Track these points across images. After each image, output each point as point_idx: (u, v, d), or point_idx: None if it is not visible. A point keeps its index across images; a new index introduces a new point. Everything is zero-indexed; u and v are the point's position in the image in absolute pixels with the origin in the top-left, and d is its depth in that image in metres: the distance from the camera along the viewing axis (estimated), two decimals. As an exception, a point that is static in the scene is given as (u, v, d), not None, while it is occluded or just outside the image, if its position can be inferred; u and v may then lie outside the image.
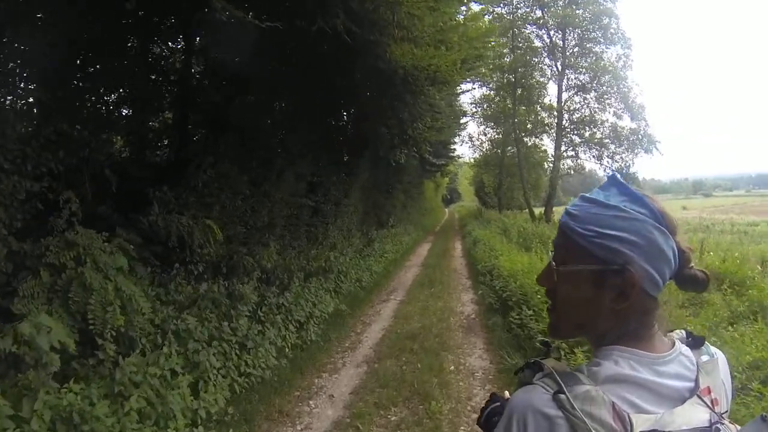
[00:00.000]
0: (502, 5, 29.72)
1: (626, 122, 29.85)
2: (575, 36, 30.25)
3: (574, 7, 28.85)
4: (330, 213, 13.21)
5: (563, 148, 31.03)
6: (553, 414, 0.90)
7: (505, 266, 10.59)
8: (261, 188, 9.24)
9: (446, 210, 71.18)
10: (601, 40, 29.71)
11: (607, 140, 30.08)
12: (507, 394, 1.43)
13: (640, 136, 29.14)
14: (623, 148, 29.65)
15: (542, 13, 29.90)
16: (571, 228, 1.05)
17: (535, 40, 31.17)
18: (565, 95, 30.96)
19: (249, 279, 7.94)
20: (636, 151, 29.23)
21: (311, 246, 11.81)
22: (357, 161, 16.22)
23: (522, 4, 30.31)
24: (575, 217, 1.05)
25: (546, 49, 30.84)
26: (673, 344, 1.05)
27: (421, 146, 16.04)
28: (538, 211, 32.15)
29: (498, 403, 1.38)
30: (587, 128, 30.70)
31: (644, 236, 0.98)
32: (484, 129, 36.93)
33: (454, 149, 35.81)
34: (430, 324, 8.83)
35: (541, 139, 34.01)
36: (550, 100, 31.77)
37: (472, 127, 42.60)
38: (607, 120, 30.38)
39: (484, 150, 38.72)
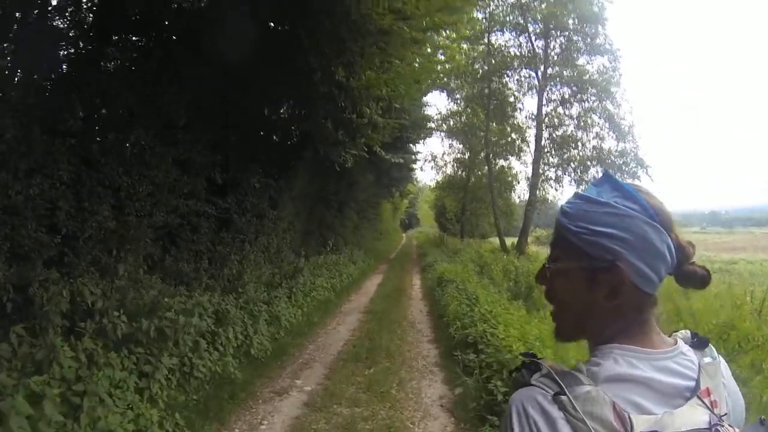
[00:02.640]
0: (477, 9, 25.68)
1: (611, 143, 26.00)
2: (558, 44, 26.18)
3: (559, 8, 24.65)
4: (249, 228, 10.11)
5: (541, 169, 26.68)
6: (555, 415, 0.87)
7: (516, 349, 5.57)
8: (99, 169, 6.04)
9: (404, 235, 66.65)
10: (586, 50, 25.74)
11: (588, 162, 25.90)
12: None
13: (627, 159, 25.11)
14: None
15: (522, 20, 25.74)
16: (563, 225, 1.03)
17: (512, 49, 27.08)
18: (545, 110, 26.72)
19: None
20: (622, 176, 24.58)
21: (208, 273, 8.43)
22: (291, 162, 12.48)
23: (499, 9, 26.11)
24: (568, 215, 1.02)
25: (525, 58, 26.52)
26: (675, 343, 1.01)
27: (369, 107, 10.61)
28: (510, 241, 27.83)
29: None
30: (568, 148, 26.51)
31: (634, 232, 0.95)
32: (450, 144, 32.88)
33: (417, 151, 29.17)
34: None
35: (511, 161, 30.05)
36: (526, 116, 27.86)
37: (435, 146, 38.83)
38: (589, 141, 26.33)
39: (447, 171, 34.85)
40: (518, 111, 28.02)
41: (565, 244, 1.02)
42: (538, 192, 26.40)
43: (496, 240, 32.79)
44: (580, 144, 26.38)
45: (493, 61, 26.28)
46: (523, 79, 27.31)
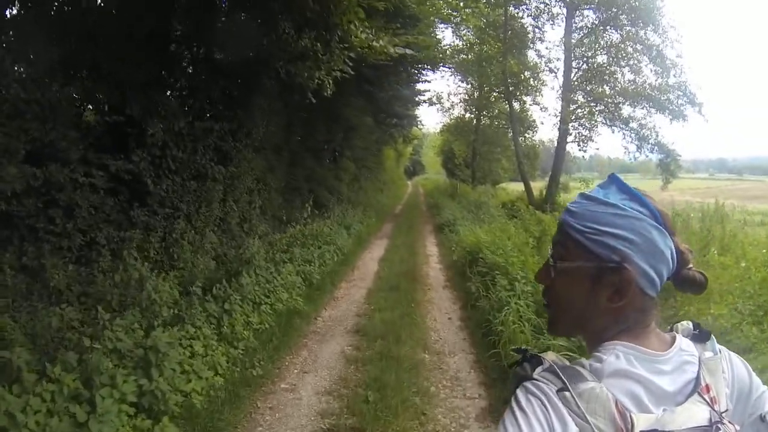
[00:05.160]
0: None
1: (651, 77, 20.29)
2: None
3: None
4: (181, 196, 6.87)
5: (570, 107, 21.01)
6: (562, 409, 0.83)
7: None
8: None
9: (409, 183, 61.75)
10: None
11: (621, 99, 20.50)
12: None
13: (670, 96, 19.50)
14: (644, 110, 20.29)
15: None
16: (570, 224, 0.98)
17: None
18: (574, 37, 21.08)
19: None
20: (665, 114, 19.66)
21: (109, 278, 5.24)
22: (242, 95, 8.45)
23: None
24: (574, 214, 0.98)
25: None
26: (674, 340, 0.97)
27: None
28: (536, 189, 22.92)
29: None
30: (599, 83, 20.96)
31: (642, 235, 0.92)
32: (459, 81, 27.93)
33: (425, 78, 23.03)
34: None
35: (527, 101, 24.90)
36: (548, 47, 22.56)
37: (441, 86, 34.21)
38: (623, 75, 20.80)
39: (454, 114, 30.64)
40: (539, 41, 22.52)
41: (570, 243, 0.97)
42: (570, 132, 21.32)
43: (510, 186, 29.07)
44: (612, 78, 20.99)
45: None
46: (543, 6, 21.63)
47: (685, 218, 10.60)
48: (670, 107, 19.64)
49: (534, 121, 25.55)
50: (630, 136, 20.58)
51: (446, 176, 45.07)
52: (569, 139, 21.30)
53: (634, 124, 20.51)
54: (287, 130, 11.37)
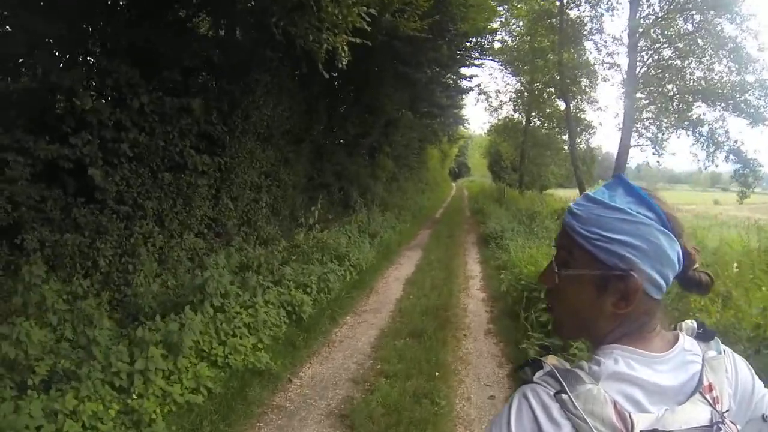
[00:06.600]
0: None
1: (723, 73, 17.48)
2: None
3: None
4: (149, 191, 5.73)
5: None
6: (556, 413, 0.82)
7: None
8: None
9: (453, 185, 59.34)
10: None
11: (691, 97, 17.87)
12: None
13: (747, 96, 16.69)
14: (718, 112, 17.40)
15: None
16: (574, 229, 0.95)
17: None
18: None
19: None
20: (740, 115, 16.80)
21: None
22: (240, 70, 6.93)
23: None
24: (579, 218, 0.94)
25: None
26: (676, 340, 0.96)
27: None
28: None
29: None
30: (666, 80, 18.44)
31: (649, 241, 0.89)
32: (507, 77, 25.86)
33: (475, 60, 20.78)
34: None
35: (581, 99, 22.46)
36: (606, 43, 19.97)
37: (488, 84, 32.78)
38: (692, 71, 18.15)
39: (502, 114, 28.14)
40: (597, 33, 19.71)
41: (575, 248, 0.94)
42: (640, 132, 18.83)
43: (558, 192, 27.78)
44: (679, 75, 18.44)
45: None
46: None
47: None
48: (748, 110, 16.87)
49: (591, 122, 23.07)
50: (702, 141, 17.89)
51: (492, 179, 43.10)
52: (632, 142, 18.69)
53: (705, 128, 17.82)
54: (307, 118, 9.48)
